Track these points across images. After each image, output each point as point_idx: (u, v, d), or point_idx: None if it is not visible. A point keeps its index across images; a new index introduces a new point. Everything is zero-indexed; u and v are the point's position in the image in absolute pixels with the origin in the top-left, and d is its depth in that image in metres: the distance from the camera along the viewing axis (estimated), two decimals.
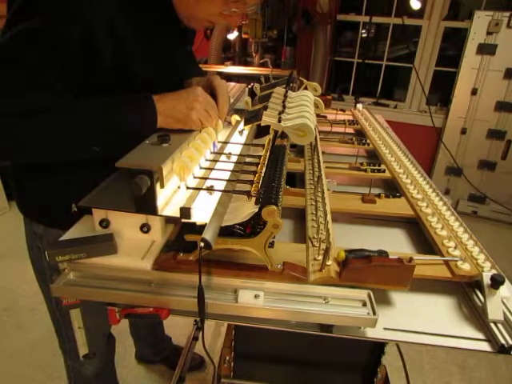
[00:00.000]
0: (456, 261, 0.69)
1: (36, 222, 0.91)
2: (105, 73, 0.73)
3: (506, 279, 0.63)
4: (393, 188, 1.05)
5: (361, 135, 1.44)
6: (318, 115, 1.36)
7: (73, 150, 0.74)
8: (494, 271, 0.66)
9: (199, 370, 1.72)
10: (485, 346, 0.59)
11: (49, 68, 0.66)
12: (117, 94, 0.75)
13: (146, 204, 0.62)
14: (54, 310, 1.02)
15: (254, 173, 0.71)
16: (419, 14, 3.02)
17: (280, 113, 0.73)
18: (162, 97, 0.76)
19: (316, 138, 1.13)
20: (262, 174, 0.69)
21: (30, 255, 0.98)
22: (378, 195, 0.94)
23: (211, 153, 0.81)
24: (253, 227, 0.64)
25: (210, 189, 0.66)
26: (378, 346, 0.90)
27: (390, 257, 0.63)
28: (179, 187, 0.70)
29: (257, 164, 0.75)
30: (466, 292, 0.69)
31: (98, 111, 0.72)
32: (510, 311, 0.62)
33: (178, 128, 0.78)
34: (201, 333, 0.65)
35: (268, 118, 0.71)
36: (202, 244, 0.52)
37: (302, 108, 0.76)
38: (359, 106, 1.73)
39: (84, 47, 0.68)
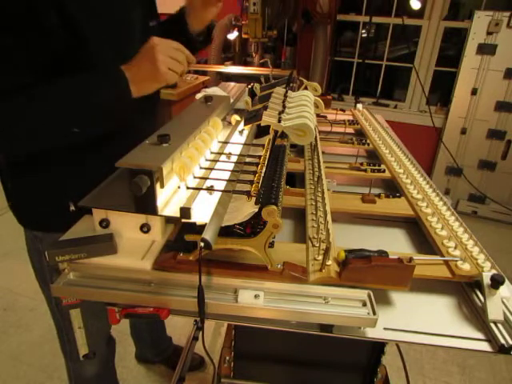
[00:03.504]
0: (456, 261, 0.69)
1: (36, 230, 0.92)
2: (56, 40, 0.69)
3: (506, 279, 0.63)
4: (393, 188, 1.05)
5: (361, 135, 1.44)
6: (318, 115, 1.36)
7: (53, 134, 0.72)
8: (493, 271, 0.66)
9: (199, 369, 1.72)
10: (485, 346, 0.59)
11: (6, 47, 0.64)
12: (75, 68, 0.72)
13: (145, 204, 0.62)
14: (55, 312, 1.02)
15: (254, 173, 0.71)
16: (419, 14, 3.02)
17: (280, 113, 0.73)
18: (127, 65, 0.73)
19: (316, 138, 1.13)
20: (262, 174, 0.69)
21: (30, 258, 0.98)
22: (378, 195, 0.94)
23: (211, 153, 0.81)
24: (253, 227, 0.64)
25: (210, 189, 0.66)
26: (378, 346, 0.90)
27: (390, 257, 0.63)
28: (179, 187, 0.70)
29: (257, 164, 0.75)
30: (466, 292, 0.69)
31: (70, 91, 0.71)
32: (510, 311, 0.62)
33: (154, 89, 0.76)
34: (201, 333, 0.65)
35: (268, 118, 0.71)
36: (201, 244, 0.52)
37: (301, 108, 0.76)
38: (359, 105, 1.73)
39: (30, 16, 0.65)
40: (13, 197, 0.90)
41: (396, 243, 0.84)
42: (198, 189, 0.66)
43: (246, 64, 3.29)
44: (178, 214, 0.61)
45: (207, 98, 1.02)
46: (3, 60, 0.66)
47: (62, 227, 0.70)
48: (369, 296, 0.61)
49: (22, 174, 0.85)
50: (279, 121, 0.70)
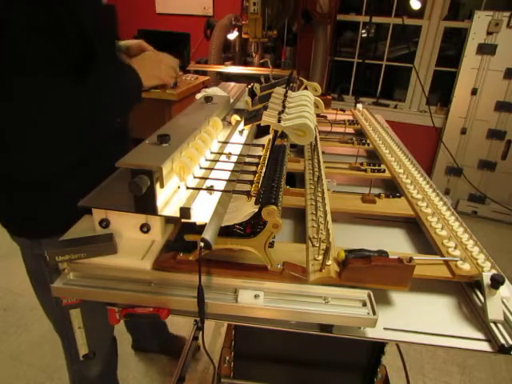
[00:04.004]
0: (456, 261, 0.69)
1: (34, 238, 0.91)
2: (70, 43, 0.73)
3: (506, 279, 0.63)
4: (393, 188, 1.05)
5: (361, 135, 1.44)
6: (318, 115, 1.36)
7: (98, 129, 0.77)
8: (493, 271, 0.66)
9: (193, 358, 1.70)
10: (485, 346, 0.59)
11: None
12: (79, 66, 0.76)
13: (145, 204, 0.62)
14: (56, 316, 1.02)
15: (254, 173, 0.71)
16: (419, 14, 3.02)
17: (280, 113, 0.73)
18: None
19: (316, 138, 1.13)
20: (262, 174, 0.69)
21: (26, 263, 0.97)
22: (378, 195, 0.94)
23: (211, 153, 0.81)
24: (253, 227, 0.64)
25: (210, 189, 0.66)
26: (378, 346, 0.90)
27: (390, 257, 0.63)
28: (179, 187, 0.70)
29: (257, 164, 0.76)
30: (466, 292, 0.69)
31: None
32: (510, 311, 0.62)
33: (153, 85, 0.88)
34: (201, 333, 0.65)
35: (268, 118, 0.71)
36: (201, 244, 0.52)
37: (301, 108, 0.76)
38: (359, 105, 1.73)
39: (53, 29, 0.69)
40: (10, 210, 0.88)
41: (396, 243, 0.84)
42: (198, 189, 0.66)
43: (246, 64, 3.28)
44: (177, 214, 0.61)
45: (207, 98, 1.02)
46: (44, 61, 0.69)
47: (62, 230, 0.70)
48: (369, 296, 0.61)
49: (20, 184, 0.82)
50: (279, 121, 0.70)
